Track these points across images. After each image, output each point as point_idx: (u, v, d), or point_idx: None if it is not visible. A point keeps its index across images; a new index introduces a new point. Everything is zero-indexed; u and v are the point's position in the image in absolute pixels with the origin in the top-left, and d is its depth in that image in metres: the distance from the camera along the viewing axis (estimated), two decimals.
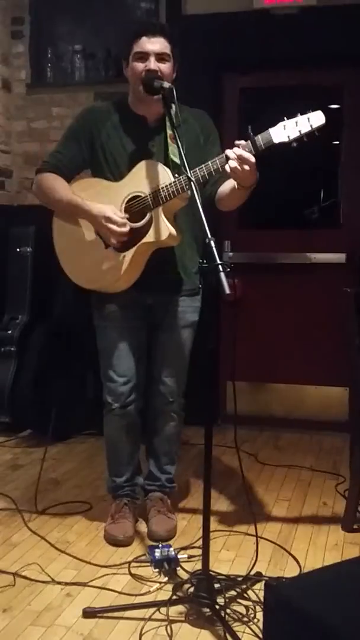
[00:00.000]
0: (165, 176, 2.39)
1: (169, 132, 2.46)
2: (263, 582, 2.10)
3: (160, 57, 2.44)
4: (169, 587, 2.29)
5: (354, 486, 2.75)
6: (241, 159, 2.22)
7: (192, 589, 2.19)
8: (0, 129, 4.39)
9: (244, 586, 2.26)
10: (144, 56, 2.44)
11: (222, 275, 1.93)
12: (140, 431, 2.80)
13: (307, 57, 3.85)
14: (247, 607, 2.15)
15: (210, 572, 2.21)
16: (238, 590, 2.24)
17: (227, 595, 2.19)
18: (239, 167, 2.22)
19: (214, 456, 2.27)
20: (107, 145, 2.56)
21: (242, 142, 2.24)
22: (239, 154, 2.21)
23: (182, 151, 2.23)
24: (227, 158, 2.24)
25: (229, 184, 2.45)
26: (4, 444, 3.85)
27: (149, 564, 2.45)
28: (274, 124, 2.23)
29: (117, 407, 2.66)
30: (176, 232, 2.44)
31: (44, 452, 3.21)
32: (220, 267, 1.94)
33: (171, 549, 2.48)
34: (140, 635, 2.03)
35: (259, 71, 4.05)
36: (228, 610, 2.12)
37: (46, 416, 3.78)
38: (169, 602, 2.15)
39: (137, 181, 2.46)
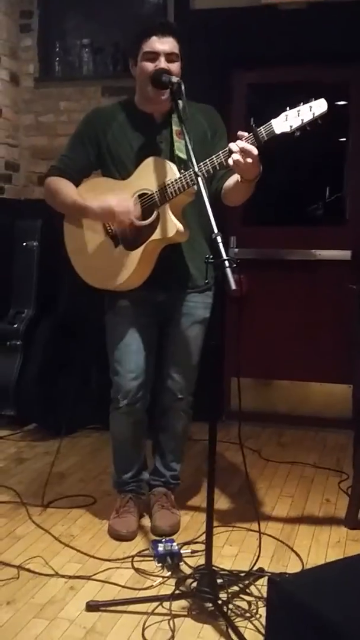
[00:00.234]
0: (172, 172, 2.39)
1: (175, 127, 2.47)
2: (265, 577, 2.12)
3: (170, 57, 2.43)
4: (172, 581, 2.30)
5: (357, 483, 2.76)
6: (244, 152, 2.21)
7: (194, 584, 2.21)
8: (8, 122, 4.40)
9: (247, 582, 2.27)
10: (154, 56, 2.43)
11: (229, 270, 1.94)
12: (147, 427, 2.81)
13: (314, 53, 3.83)
14: (249, 603, 2.16)
15: (213, 567, 2.22)
16: (240, 585, 2.25)
17: (229, 590, 2.21)
18: (241, 159, 2.22)
19: (217, 452, 2.27)
20: (114, 145, 2.56)
21: (245, 133, 2.24)
22: (241, 146, 2.21)
23: (189, 146, 2.23)
24: (231, 151, 2.24)
25: (233, 179, 2.44)
26: (9, 438, 3.86)
27: (152, 558, 2.46)
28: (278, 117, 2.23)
29: (124, 403, 2.66)
30: (184, 228, 2.44)
31: (54, 445, 3.21)
32: (226, 262, 1.95)
33: (174, 543, 2.49)
34: (143, 629, 2.05)
35: (267, 67, 4.04)
36: (230, 606, 2.13)
37: (51, 410, 3.81)
38: (172, 597, 2.16)
39: (143, 179, 2.46)
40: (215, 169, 2.32)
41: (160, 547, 2.45)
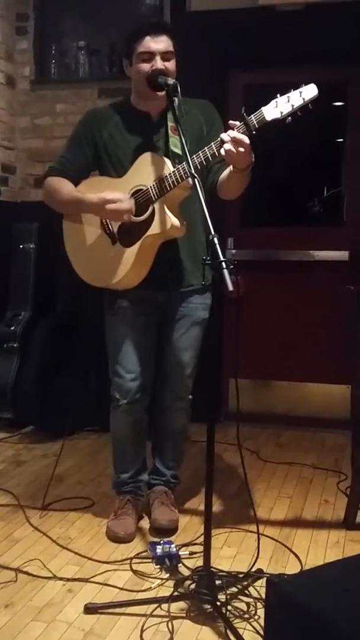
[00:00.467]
0: (166, 167, 2.39)
1: (170, 124, 2.47)
2: (264, 579, 2.11)
3: (165, 55, 2.44)
4: (170, 583, 2.29)
5: (355, 484, 2.76)
6: (235, 141, 2.20)
7: (193, 586, 2.20)
8: (4, 125, 4.39)
9: (245, 583, 2.27)
10: (149, 56, 2.43)
11: (226, 272, 1.93)
12: (147, 427, 2.81)
13: (311, 53, 3.83)
14: (248, 604, 2.16)
15: (212, 569, 2.21)
16: (239, 586, 2.25)
17: (228, 591, 2.20)
18: (233, 149, 2.21)
19: (216, 453, 2.27)
20: (111, 145, 2.57)
21: (236, 122, 2.23)
22: (232, 136, 2.20)
23: (184, 142, 2.22)
24: (222, 142, 2.24)
25: (227, 170, 2.44)
26: (6, 440, 3.85)
27: (150, 560, 2.46)
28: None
29: (124, 403, 2.66)
30: (180, 223, 2.43)
31: (51, 447, 3.20)
32: (223, 263, 1.94)
33: (172, 545, 2.48)
34: (142, 631, 2.04)
35: (264, 68, 4.04)
36: (229, 607, 2.13)
37: (49, 412, 3.80)
38: (170, 599, 2.16)
39: (138, 175, 2.47)
40: (208, 160, 2.31)
41: (159, 549, 2.44)
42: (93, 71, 4.36)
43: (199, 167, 2.29)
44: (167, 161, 2.41)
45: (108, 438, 2.89)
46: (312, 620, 1.50)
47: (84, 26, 4.36)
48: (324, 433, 4.03)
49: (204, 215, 2.08)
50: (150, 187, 2.41)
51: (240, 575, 2.31)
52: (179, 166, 2.33)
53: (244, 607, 2.14)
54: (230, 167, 2.37)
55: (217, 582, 2.20)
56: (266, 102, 2.21)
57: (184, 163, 2.28)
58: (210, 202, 2.21)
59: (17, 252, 4.14)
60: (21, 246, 4.13)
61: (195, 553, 2.47)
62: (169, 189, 2.37)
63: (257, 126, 2.21)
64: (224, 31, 3.92)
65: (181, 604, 2.16)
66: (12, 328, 4.02)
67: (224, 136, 2.23)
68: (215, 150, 2.27)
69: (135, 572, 2.39)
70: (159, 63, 2.42)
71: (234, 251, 4.16)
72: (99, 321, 2.75)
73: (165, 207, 2.40)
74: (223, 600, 2.14)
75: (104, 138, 2.58)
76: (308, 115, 2.21)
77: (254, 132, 2.22)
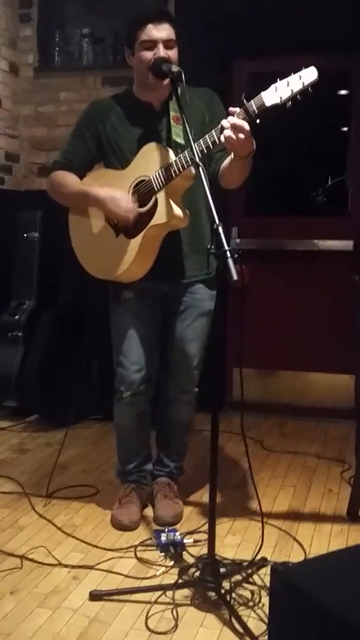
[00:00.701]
0: (168, 156, 2.38)
1: (172, 114, 2.45)
2: (268, 566, 2.12)
3: (168, 43, 2.42)
4: (175, 571, 2.31)
5: (359, 473, 2.76)
6: (235, 128, 2.17)
7: (197, 573, 2.21)
8: (7, 113, 4.38)
9: (250, 571, 2.28)
10: (152, 45, 2.40)
11: (230, 261, 1.93)
12: (151, 418, 2.81)
13: (316, 41, 3.80)
14: (252, 592, 2.17)
15: (216, 557, 2.22)
16: (243, 574, 2.26)
17: (232, 579, 2.22)
18: (233, 135, 2.18)
19: (219, 442, 2.27)
20: (113, 136, 2.56)
21: (236, 109, 2.20)
22: (232, 122, 2.17)
23: (189, 131, 2.21)
24: (222, 128, 2.21)
25: (228, 159, 2.41)
26: (11, 429, 3.87)
27: (155, 548, 2.47)
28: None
29: (128, 395, 2.65)
30: (183, 213, 2.42)
31: (55, 435, 3.21)
32: (228, 253, 1.94)
33: (177, 533, 2.50)
34: (146, 618, 2.05)
35: (268, 56, 4.01)
36: (233, 595, 2.14)
37: (53, 401, 3.81)
38: (175, 586, 2.17)
39: (142, 166, 2.46)
40: (209, 148, 2.28)
41: (163, 537, 2.46)
42: (97, 59, 4.33)
43: (200, 156, 2.27)
44: (170, 150, 2.39)
45: (112, 427, 2.90)
46: (316, 608, 1.50)
47: (87, 14, 4.33)
48: (327, 423, 4.03)
49: (209, 204, 2.07)
50: (153, 177, 2.40)
51: (245, 563, 2.32)
52: (181, 155, 2.32)
53: (248, 594, 2.16)
54: (232, 155, 2.34)
55: (222, 569, 2.21)
56: (267, 88, 2.17)
57: (186, 152, 2.27)
58: (214, 192, 2.20)
59: (21, 241, 4.14)
60: (25, 235, 4.13)
61: (200, 541, 2.48)
62: (171, 178, 2.35)
63: (256, 112, 2.16)
64: (228, 19, 3.90)
65: (185, 592, 2.18)
66: (17, 317, 4.02)
67: (224, 122, 2.19)
68: (216, 137, 2.24)
69: (139, 559, 2.41)
70: (161, 51, 2.40)
71: (238, 240, 4.15)
72: (104, 310, 2.75)
73: (168, 197, 2.39)
74: (227, 587, 2.15)
75: (107, 130, 2.56)
76: (312, 104, 2.19)
77: (255, 118, 2.18)
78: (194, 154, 2.18)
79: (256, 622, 2.03)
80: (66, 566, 2.36)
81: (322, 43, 3.81)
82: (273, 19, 3.85)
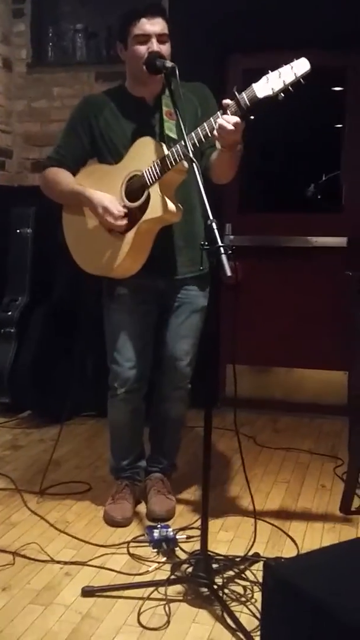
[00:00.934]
0: (160, 151, 2.37)
1: (165, 108, 2.44)
2: (261, 562, 2.12)
3: (161, 38, 2.41)
4: (168, 567, 2.30)
5: (352, 469, 2.77)
6: (224, 118, 2.17)
7: (190, 569, 2.21)
8: (1, 108, 4.36)
9: (242, 566, 2.28)
10: (145, 39, 2.40)
11: (224, 257, 1.92)
12: (144, 415, 2.81)
13: (310, 38, 3.79)
14: (245, 587, 2.17)
15: (209, 553, 2.22)
16: (236, 570, 2.26)
17: (225, 575, 2.21)
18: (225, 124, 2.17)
19: (213, 439, 2.27)
20: (107, 132, 2.55)
21: (229, 101, 2.18)
22: (227, 121, 2.16)
23: (182, 126, 2.20)
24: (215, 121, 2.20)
25: (217, 151, 2.41)
26: (3, 425, 3.86)
27: (147, 544, 2.47)
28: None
29: (122, 392, 2.65)
30: (176, 208, 2.40)
31: (48, 432, 3.21)
32: (222, 249, 1.93)
33: (170, 529, 2.50)
34: (139, 614, 2.05)
35: (263, 52, 4.00)
36: (226, 590, 2.14)
37: (46, 397, 3.81)
38: (168, 582, 2.17)
39: (135, 161, 2.45)
40: (201, 142, 2.27)
41: (156, 533, 2.46)
42: (90, 54, 4.32)
43: (192, 149, 2.26)
44: (162, 144, 2.39)
45: (105, 423, 2.90)
46: (309, 603, 1.51)
47: (81, 9, 4.31)
48: (321, 419, 4.04)
49: (202, 199, 2.06)
50: (146, 171, 2.39)
51: (237, 559, 2.32)
52: (173, 149, 2.31)
53: (240, 590, 2.16)
54: (219, 146, 2.31)
55: (214, 565, 2.21)
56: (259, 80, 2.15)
57: (178, 145, 2.26)
58: (208, 188, 2.19)
59: (14, 237, 4.12)
60: (18, 231, 4.11)
61: (192, 537, 2.48)
62: (163, 172, 2.34)
63: (248, 104, 2.14)
64: (223, 15, 3.89)
65: (178, 587, 2.18)
66: (10, 313, 4.01)
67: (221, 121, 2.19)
68: (208, 131, 2.23)
69: (132, 555, 2.41)
70: (155, 45, 2.40)
71: (232, 237, 4.15)
72: (97, 306, 2.74)
73: (161, 192, 2.38)
74: (220, 583, 2.15)
75: (100, 125, 2.55)
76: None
77: (247, 111, 2.15)
78: (187, 149, 2.17)
79: (249, 617, 2.03)
80: (59, 562, 2.35)
81: (317, 39, 3.80)
82: (268, 14, 3.84)
